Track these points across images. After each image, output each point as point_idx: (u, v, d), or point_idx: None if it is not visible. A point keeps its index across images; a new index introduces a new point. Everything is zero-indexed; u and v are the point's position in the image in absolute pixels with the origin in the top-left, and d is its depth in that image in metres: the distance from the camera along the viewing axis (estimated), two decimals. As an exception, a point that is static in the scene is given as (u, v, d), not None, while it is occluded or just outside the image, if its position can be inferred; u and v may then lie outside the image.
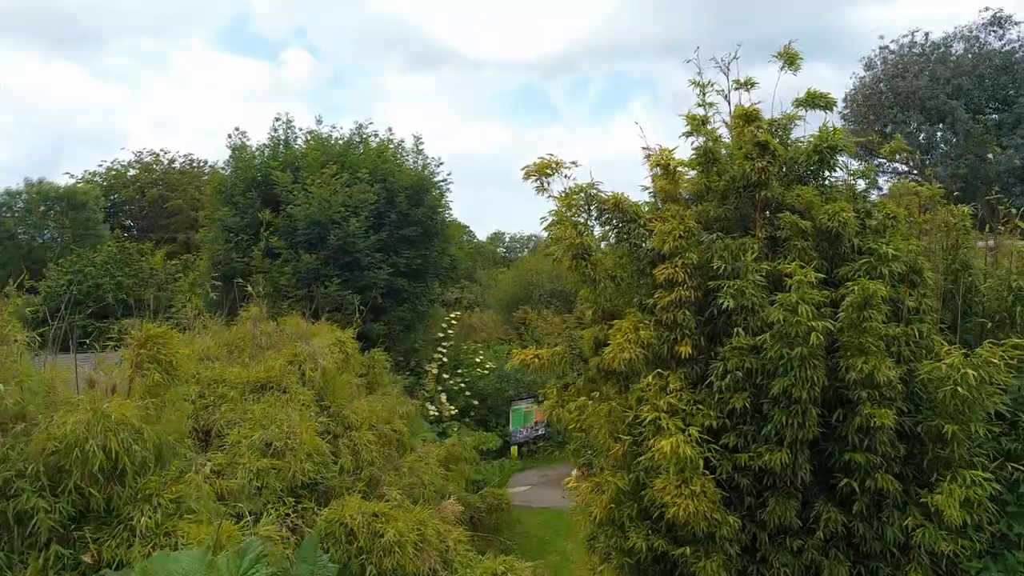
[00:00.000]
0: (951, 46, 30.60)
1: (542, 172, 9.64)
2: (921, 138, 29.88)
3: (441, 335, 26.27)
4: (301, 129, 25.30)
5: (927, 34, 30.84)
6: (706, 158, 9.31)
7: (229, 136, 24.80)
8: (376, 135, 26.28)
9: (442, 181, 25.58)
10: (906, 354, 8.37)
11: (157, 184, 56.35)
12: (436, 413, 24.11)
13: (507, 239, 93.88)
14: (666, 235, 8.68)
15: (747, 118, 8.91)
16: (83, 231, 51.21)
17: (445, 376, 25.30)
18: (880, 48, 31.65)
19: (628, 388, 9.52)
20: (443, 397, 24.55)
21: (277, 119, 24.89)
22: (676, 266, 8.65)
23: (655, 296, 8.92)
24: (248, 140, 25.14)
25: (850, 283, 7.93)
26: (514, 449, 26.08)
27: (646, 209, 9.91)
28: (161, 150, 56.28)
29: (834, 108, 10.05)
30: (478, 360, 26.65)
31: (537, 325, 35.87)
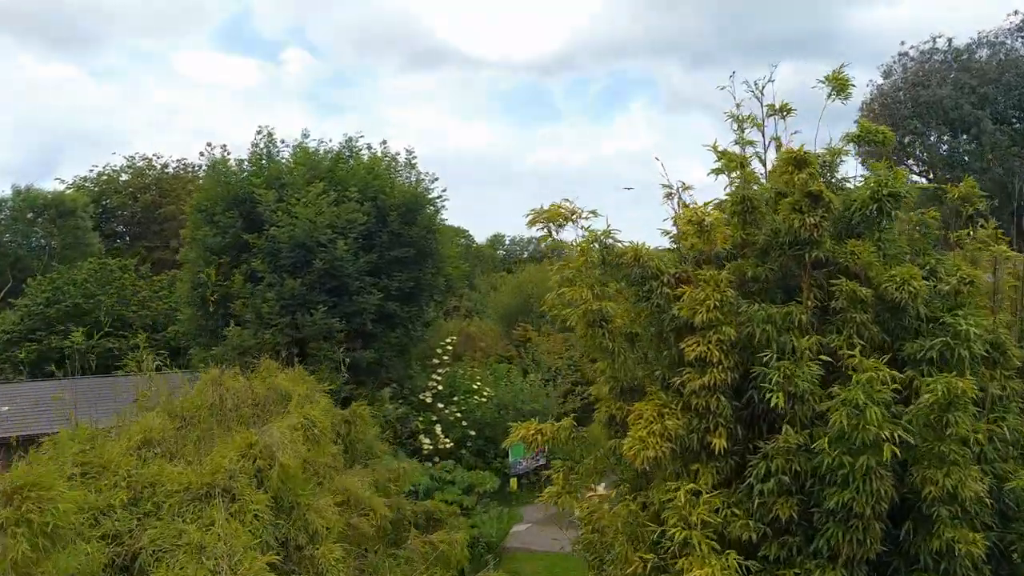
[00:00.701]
0: (975, 52, 29.03)
1: (552, 219, 8.18)
2: (943, 150, 28.37)
3: (437, 361, 24.75)
4: (284, 142, 23.75)
5: (950, 40, 29.28)
6: (743, 206, 7.80)
7: (201, 154, 23.28)
8: (369, 147, 24.75)
9: (437, 198, 24.07)
10: (991, 455, 6.88)
11: (150, 189, 54.78)
12: (431, 447, 22.59)
13: (507, 241, 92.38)
14: (698, 304, 7.18)
15: (798, 163, 7.37)
16: (72, 239, 49.89)
17: (440, 405, 23.77)
18: (899, 55, 30.07)
19: (648, 479, 8.05)
20: (438, 429, 23.02)
21: (259, 132, 23.35)
22: (710, 342, 7.16)
23: (684, 375, 7.44)
24: (228, 154, 23.61)
25: (929, 379, 6.40)
26: (513, 481, 24.54)
27: (667, 257, 8.44)
28: (154, 155, 54.53)
29: (892, 143, 8.58)
30: (476, 386, 25.10)
31: (538, 345, 34.39)
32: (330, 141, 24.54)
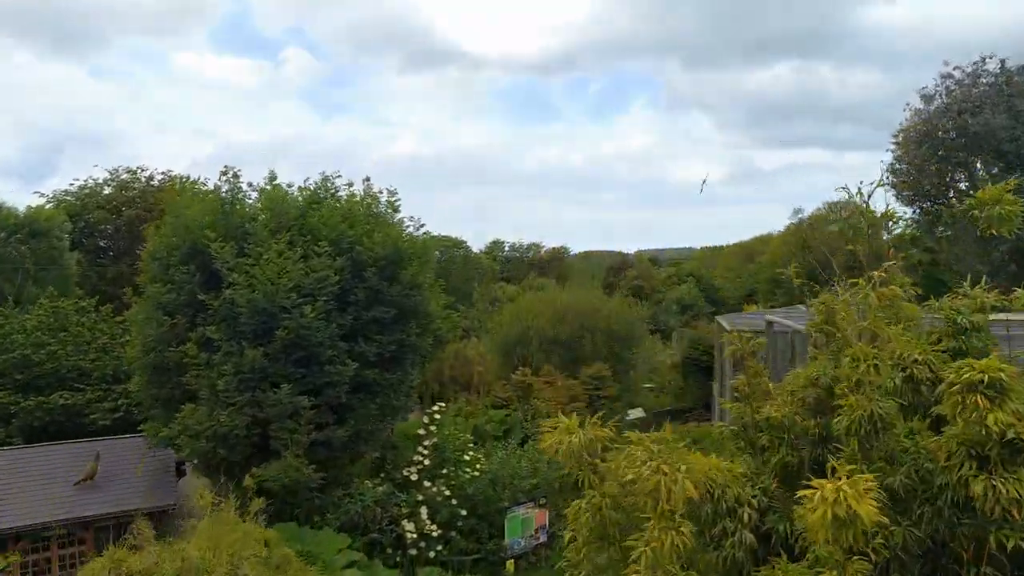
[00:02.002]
0: (1029, 76, 25.96)
1: (587, 450, 5.32)
2: (992, 184, 25.28)
3: (422, 432, 21.79)
4: (251, 185, 20.74)
5: (1003, 61, 26.13)
6: (867, 429, 4.82)
7: (168, 187, 20.30)
8: (351, 186, 21.69)
9: (422, 247, 21.07)
10: None
11: (134, 203, 51.93)
12: (415, 534, 19.65)
13: (506, 248, 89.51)
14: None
15: (992, 392, 4.34)
16: (46, 261, 47.26)
17: (427, 483, 20.81)
18: (942, 76, 26.87)
19: None
20: (423, 512, 20.07)
21: (224, 173, 20.34)
22: None
23: None
24: (203, 181, 20.65)
25: None
26: (510, 564, 21.61)
27: (745, 475, 5.50)
28: (139, 167, 51.68)
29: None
30: (467, 458, 22.15)
31: (538, 392, 31.38)
32: (306, 180, 21.56)
